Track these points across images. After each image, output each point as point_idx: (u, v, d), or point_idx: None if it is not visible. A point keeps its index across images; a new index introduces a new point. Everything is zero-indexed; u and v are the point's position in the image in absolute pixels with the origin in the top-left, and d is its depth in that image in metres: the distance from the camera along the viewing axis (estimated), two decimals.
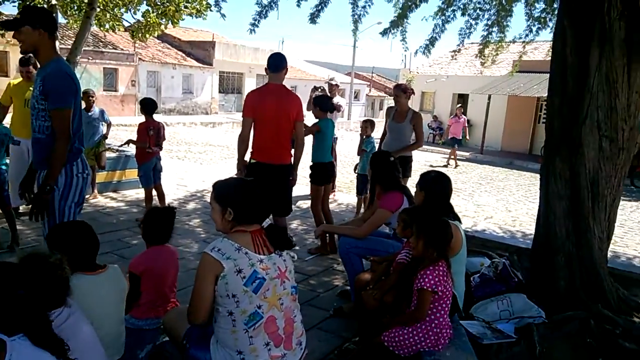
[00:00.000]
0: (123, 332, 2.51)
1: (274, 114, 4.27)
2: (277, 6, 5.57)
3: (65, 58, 8.60)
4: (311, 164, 5.40)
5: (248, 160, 4.46)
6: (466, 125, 15.73)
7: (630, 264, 5.52)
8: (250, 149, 4.43)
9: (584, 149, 3.69)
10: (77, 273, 2.31)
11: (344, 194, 8.57)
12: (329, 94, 7.63)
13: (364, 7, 6.11)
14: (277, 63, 4.35)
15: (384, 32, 6.50)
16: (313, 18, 6.03)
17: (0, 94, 5.55)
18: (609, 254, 5.05)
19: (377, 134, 6.69)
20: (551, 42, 4.16)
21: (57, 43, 8.79)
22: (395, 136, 5.81)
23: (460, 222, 3.23)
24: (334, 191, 8.16)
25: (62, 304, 2.04)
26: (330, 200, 7.81)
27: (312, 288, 4.31)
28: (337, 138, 7.39)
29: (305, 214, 6.93)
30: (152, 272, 2.89)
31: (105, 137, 6.98)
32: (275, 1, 5.54)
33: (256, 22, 5.65)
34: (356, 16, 6.24)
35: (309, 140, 5.14)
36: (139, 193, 7.17)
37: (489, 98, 18.73)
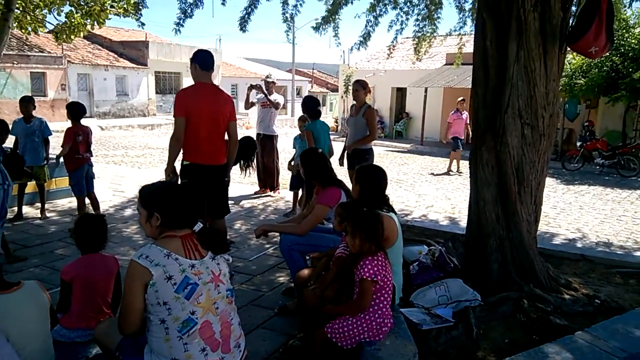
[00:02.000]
0: (51, 348, 2.39)
1: (209, 113, 4.17)
2: (203, 4, 5.45)
3: None
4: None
5: (181, 163, 4.32)
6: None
7: (561, 243, 5.82)
8: (181, 151, 4.31)
9: (507, 137, 3.85)
10: None
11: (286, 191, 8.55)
12: (265, 92, 7.57)
13: (295, 6, 6.10)
14: (208, 61, 4.23)
15: (316, 28, 6.54)
16: (243, 25, 5.96)
17: None
18: (543, 234, 5.32)
19: None
20: None
21: None
22: (351, 130, 6.12)
23: (395, 213, 3.30)
24: (279, 189, 8.13)
25: None
26: (276, 198, 7.81)
27: (256, 287, 4.27)
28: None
29: (249, 213, 6.87)
30: (82, 280, 2.79)
31: (46, 159, 6.30)
32: (201, 0, 5.42)
33: (181, 22, 5.53)
34: (287, 15, 6.22)
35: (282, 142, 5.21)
36: (71, 202, 6.87)
37: (426, 91, 19.21)
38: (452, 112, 12.63)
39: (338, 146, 7.47)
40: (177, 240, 2.19)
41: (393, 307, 2.94)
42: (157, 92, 29.62)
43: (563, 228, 7.07)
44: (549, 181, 8.50)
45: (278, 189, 8.11)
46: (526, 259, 3.98)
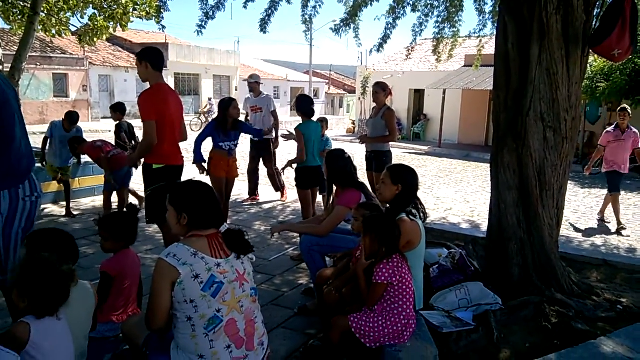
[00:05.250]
0: (86, 348, 2.46)
1: (176, 115, 4.20)
2: (224, 7, 5.53)
3: (10, 65, 8.34)
4: (295, 167, 5.43)
5: (149, 166, 4.16)
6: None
7: (583, 248, 5.76)
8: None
9: (529, 140, 3.83)
10: None
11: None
12: (250, 93, 7.46)
13: (314, 7, 6.14)
14: (160, 60, 4.10)
15: (336, 30, 6.57)
16: (263, 27, 6.02)
17: None
18: (563, 239, 5.26)
19: (332, 132, 6.74)
20: None
21: (0, 50, 8.48)
22: (370, 131, 6.15)
23: (426, 214, 3.32)
24: (285, 192, 7.92)
25: (57, 309, 2.07)
26: (292, 199, 7.81)
27: (276, 287, 4.31)
28: (328, 139, 6.99)
29: (267, 214, 6.92)
30: (122, 275, 2.87)
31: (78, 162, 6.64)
32: (222, 2, 5.48)
33: (203, 24, 5.60)
34: (306, 16, 6.27)
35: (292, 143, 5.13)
36: (94, 201, 7.01)
37: (444, 92, 19.13)
38: (608, 128, 7.44)
39: (354, 148, 7.49)
40: (203, 239, 2.24)
41: (414, 309, 2.95)
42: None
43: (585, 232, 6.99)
44: (570, 185, 8.45)
45: (284, 191, 7.92)
46: (548, 263, 3.95)
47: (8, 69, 8.43)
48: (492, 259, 4.17)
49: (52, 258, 2.08)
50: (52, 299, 2.02)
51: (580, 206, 9.04)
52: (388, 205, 3.36)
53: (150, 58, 4.03)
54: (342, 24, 6.49)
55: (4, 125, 2.52)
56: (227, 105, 5.72)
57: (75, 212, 6.50)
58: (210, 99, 26.45)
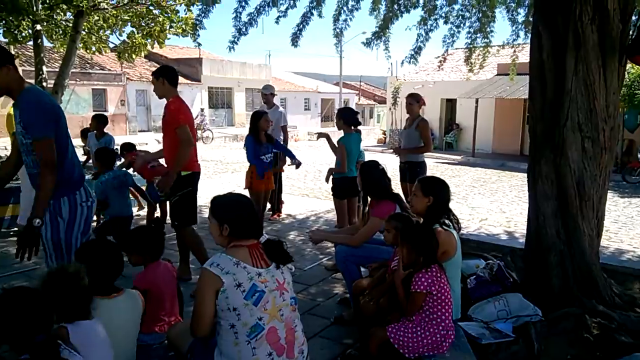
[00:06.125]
0: (134, 355, 2.56)
1: (193, 125, 4.42)
2: (257, 23, 5.64)
3: (53, 82, 8.70)
4: (332, 177, 5.46)
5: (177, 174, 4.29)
6: None
7: (624, 259, 5.61)
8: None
9: (567, 151, 3.78)
10: (93, 297, 2.38)
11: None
12: (264, 103, 7.24)
13: (345, 20, 6.21)
14: (175, 78, 4.36)
15: (367, 44, 6.61)
16: (294, 40, 6.11)
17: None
18: (603, 249, 5.15)
19: (363, 143, 6.70)
20: None
21: (44, 68, 8.84)
22: (404, 142, 6.18)
23: (459, 224, 3.32)
24: (281, 214, 7.42)
25: (87, 315, 2.18)
26: (327, 209, 7.83)
27: (312, 297, 4.35)
28: (362, 151, 6.28)
29: (301, 224, 6.99)
30: (155, 288, 2.95)
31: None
32: (254, 19, 5.60)
33: (235, 40, 5.72)
34: (337, 30, 6.34)
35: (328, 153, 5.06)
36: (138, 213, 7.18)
37: (477, 102, 18.93)
38: None
39: (386, 158, 7.44)
40: (244, 249, 2.31)
41: (453, 320, 2.95)
42: (210, 107, 30.54)
43: (625, 243, 6.79)
44: (610, 194, 8.27)
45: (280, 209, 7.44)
46: (588, 274, 3.88)
47: (51, 86, 8.82)
48: (531, 270, 4.12)
49: (72, 271, 2.16)
50: (72, 309, 2.10)
51: (621, 216, 8.79)
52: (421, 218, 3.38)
53: (167, 75, 4.26)
54: (373, 37, 6.53)
55: (61, 139, 2.82)
56: (258, 117, 5.82)
57: None
58: (202, 110, 25.89)
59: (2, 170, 3.38)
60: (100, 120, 6.64)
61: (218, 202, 2.43)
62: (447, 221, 3.21)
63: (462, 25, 6.98)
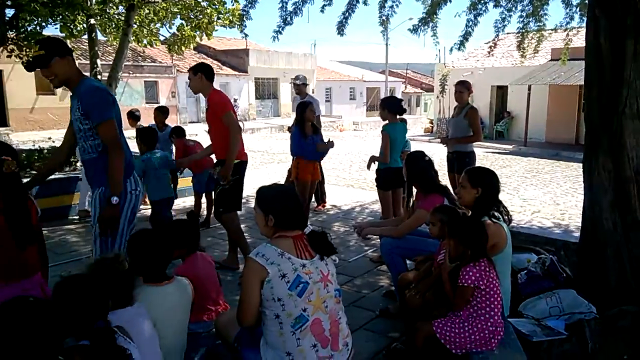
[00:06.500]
0: (185, 341, 2.63)
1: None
2: (302, 12, 5.61)
3: (107, 74, 9.03)
4: (376, 167, 5.40)
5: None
6: None
7: None
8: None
9: (625, 139, 3.58)
10: (143, 285, 2.47)
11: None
12: (297, 94, 7.23)
13: (391, 7, 6.09)
14: (212, 73, 4.52)
15: (414, 30, 6.47)
16: (340, 29, 6.05)
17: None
18: None
19: (410, 132, 6.56)
20: None
21: (98, 61, 9.17)
22: (451, 131, 6.04)
23: (509, 216, 3.21)
24: (325, 204, 7.40)
25: (129, 301, 2.25)
26: (372, 200, 7.75)
27: (357, 289, 4.34)
28: (407, 140, 6.06)
29: (346, 215, 6.97)
30: (197, 278, 3.00)
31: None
32: (299, 7, 5.58)
33: (280, 30, 5.72)
34: (384, 17, 6.23)
35: (373, 143, 5.05)
36: (184, 201, 7.38)
37: (529, 89, 18.26)
38: None
39: (433, 148, 7.29)
40: (289, 240, 2.32)
41: (502, 316, 2.86)
42: (256, 98, 30.93)
43: None
44: None
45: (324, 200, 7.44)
46: None
47: (105, 79, 9.15)
48: (586, 265, 3.94)
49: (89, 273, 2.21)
50: (114, 295, 2.15)
51: None
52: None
53: (204, 70, 4.43)
54: (420, 24, 6.39)
55: (119, 126, 2.99)
56: (304, 108, 5.82)
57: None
58: (235, 100, 25.92)
59: (54, 159, 3.59)
60: (162, 112, 6.81)
61: (264, 193, 2.45)
62: (496, 213, 3.10)
63: (513, 8, 6.72)
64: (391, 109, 5.32)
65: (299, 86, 7.14)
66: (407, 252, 3.77)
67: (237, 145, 4.34)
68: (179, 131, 6.38)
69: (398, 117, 5.41)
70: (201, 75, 4.40)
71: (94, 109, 2.88)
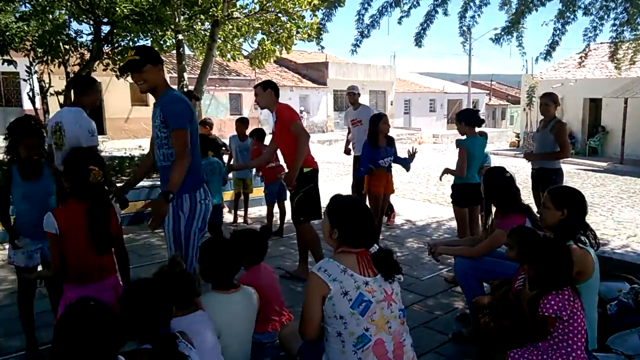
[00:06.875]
0: (249, 352, 2.64)
1: None
2: (379, 25, 5.56)
3: (193, 87, 9.50)
4: (452, 183, 5.17)
5: (299, 170, 4.48)
6: None
7: None
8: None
9: None
10: (212, 291, 2.52)
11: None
12: (351, 104, 7.09)
13: (472, 17, 5.88)
14: (278, 90, 4.70)
15: (496, 40, 6.20)
16: (418, 40, 5.93)
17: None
18: None
19: (494, 146, 6.28)
20: None
21: (185, 75, 9.66)
22: (536, 146, 5.72)
23: (597, 241, 2.93)
24: (394, 219, 7.16)
25: (191, 305, 2.29)
26: (447, 217, 7.46)
27: (429, 309, 4.17)
28: (487, 155, 5.85)
29: (421, 231, 6.77)
30: (261, 289, 3.01)
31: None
32: (377, 20, 5.53)
33: (358, 43, 5.70)
34: (464, 27, 6.03)
35: (453, 157, 4.96)
36: (260, 210, 7.53)
37: (626, 102, 16.93)
38: None
39: (519, 163, 6.92)
40: (352, 256, 2.25)
41: (587, 350, 2.61)
42: (334, 110, 31.19)
43: None
44: None
45: (393, 214, 7.20)
46: None
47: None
48: None
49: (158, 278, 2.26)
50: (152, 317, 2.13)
51: None
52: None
53: (273, 87, 4.65)
54: (503, 33, 6.10)
55: (192, 141, 3.06)
56: (377, 120, 5.74)
57: (239, 220, 7.10)
58: (302, 111, 25.78)
59: (143, 167, 3.80)
60: (243, 122, 7.01)
61: (334, 203, 2.39)
62: (583, 237, 2.85)
63: (605, 17, 6.25)
64: (468, 121, 5.08)
65: (354, 96, 7.07)
66: (483, 274, 3.56)
67: (304, 152, 4.43)
68: (259, 133, 6.51)
69: (477, 130, 5.18)
70: (271, 92, 4.60)
71: (172, 115, 2.99)
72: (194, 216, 3.10)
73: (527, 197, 6.13)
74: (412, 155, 5.79)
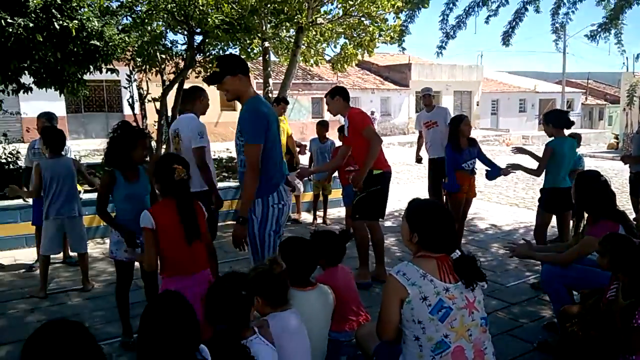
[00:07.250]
0: (325, 350, 2.71)
1: None
2: (466, 25, 5.46)
3: (277, 92, 9.82)
4: (541, 187, 4.97)
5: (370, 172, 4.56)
6: None
7: None
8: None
9: None
10: (290, 288, 2.63)
11: None
12: (425, 105, 6.88)
13: (566, 13, 5.60)
14: (349, 96, 4.80)
15: (591, 37, 5.85)
16: (506, 39, 5.75)
17: None
18: None
19: (590, 148, 5.93)
20: None
21: (270, 80, 9.99)
22: (634, 148, 5.46)
23: None
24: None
25: (286, 302, 2.42)
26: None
27: (513, 317, 4.03)
28: (580, 157, 5.49)
29: (507, 236, 6.52)
30: (338, 290, 3.05)
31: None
32: (463, 21, 5.43)
33: (443, 45, 5.65)
34: (557, 25, 5.76)
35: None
36: (339, 211, 7.62)
37: None
38: None
39: (617, 167, 6.47)
40: (432, 261, 2.23)
41: None
42: (416, 111, 30.70)
43: None
44: None
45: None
46: None
47: (276, 96, 9.93)
48: None
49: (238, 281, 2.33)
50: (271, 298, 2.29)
51: None
52: None
53: (341, 93, 4.77)
54: (599, 29, 5.76)
55: (269, 144, 3.16)
56: (458, 122, 5.58)
57: (318, 220, 7.24)
58: (373, 113, 24.85)
59: None
60: (323, 125, 7.17)
61: (414, 207, 2.38)
62: None
63: None
64: (556, 123, 4.80)
65: (428, 97, 6.92)
66: (572, 282, 3.39)
67: (374, 155, 4.49)
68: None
69: (567, 132, 4.90)
70: (339, 98, 4.73)
71: (246, 130, 3.13)
72: (266, 219, 3.20)
73: (626, 201, 5.72)
74: (502, 173, 5.52)
